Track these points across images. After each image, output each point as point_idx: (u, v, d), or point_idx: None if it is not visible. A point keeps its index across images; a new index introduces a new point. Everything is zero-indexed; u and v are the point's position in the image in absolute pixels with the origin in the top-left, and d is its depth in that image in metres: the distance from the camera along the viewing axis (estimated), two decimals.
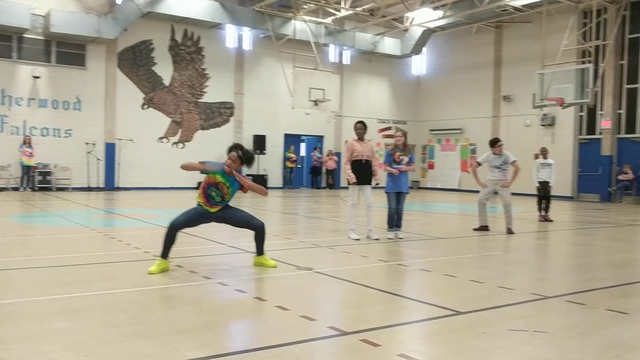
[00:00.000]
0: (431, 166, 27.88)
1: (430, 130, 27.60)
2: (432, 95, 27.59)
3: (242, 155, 6.07)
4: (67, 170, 19.82)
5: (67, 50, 19.90)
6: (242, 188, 6.17)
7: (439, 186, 27.18)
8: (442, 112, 26.97)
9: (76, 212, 12.71)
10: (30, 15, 18.45)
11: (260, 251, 6.25)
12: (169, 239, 5.86)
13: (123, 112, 21.02)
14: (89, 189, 20.02)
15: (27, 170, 18.81)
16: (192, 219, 6.07)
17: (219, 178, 6.03)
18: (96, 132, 20.52)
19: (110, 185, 20.60)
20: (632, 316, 4.52)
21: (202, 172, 6.06)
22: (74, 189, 19.73)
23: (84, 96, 20.33)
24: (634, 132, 20.40)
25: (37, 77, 19.26)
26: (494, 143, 10.46)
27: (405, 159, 8.95)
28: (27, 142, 18.67)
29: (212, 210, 6.11)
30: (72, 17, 19.06)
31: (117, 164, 20.75)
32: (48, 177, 19.38)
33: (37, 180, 19.03)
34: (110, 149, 20.71)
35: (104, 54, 20.59)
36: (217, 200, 6.08)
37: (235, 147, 6.14)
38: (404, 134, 9.10)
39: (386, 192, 9.07)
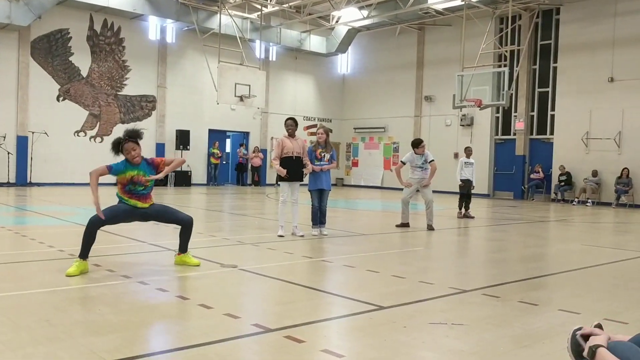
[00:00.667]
0: (355, 164, 28.30)
1: (355, 128, 28.00)
2: (357, 94, 27.99)
3: (130, 136, 5.78)
4: None
5: None
6: (158, 169, 5.92)
7: (362, 184, 27.64)
8: (366, 110, 27.43)
9: None
10: None
11: (184, 248, 6.08)
12: (89, 237, 5.54)
13: (36, 104, 19.95)
14: None
15: None
16: (115, 214, 5.73)
17: (130, 173, 5.75)
18: (7, 124, 19.37)
19: (22, 181, 19.50)
20: (542, 307, 4.77)
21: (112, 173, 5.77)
22: None
23: None
24: (545, 134, 21.58)
25: None
26: (418, 144, 10.75)
27: (327, 155, 9.05)
28: None
29: (139, 204, 5.84)
30: None
31: (29, 158, 19.67)
32: None
33: None
34: (22, 142, 19.60)
35: (15, 42, 19.45)
36: (140, 189, 5.83)
37: (125, 136, 5.81)
38: (326, 131, 9.16)
39: (309, 190, 9.14)
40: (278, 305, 4.74)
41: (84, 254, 5.54)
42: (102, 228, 5.74)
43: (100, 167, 5.68)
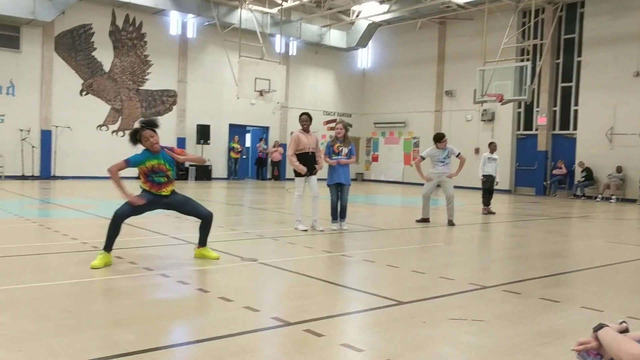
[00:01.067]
0: (375, 159, 28.22)
1: (375, 123, 27.91)
2: (377, 88, 27.88)
3: (147, 125, 5.80)
4: (0, 157, 18.93)
5: (0, 32, 18.95)
6: (176, 155, 5.95)
7: (382, 178, 27.55)
8: (386, 105, 27.31)
9: (9, 201, 12.16)
10: None
11: (203, 242, 6.12)
12: (114, 230, 5.59)
13: (60, 98, 20.23)
14: (23, 177, 19.20)
15: None
16: (139, 206, 5.79)
17: (150, 163, 5.78)
18: (31, 119, 19.68)
19: (46, 174, 19.81)
20: (564, 304, 4.72)
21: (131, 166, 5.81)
22: (7, 177, 18.87)
23: (18, 80, 19.43)
24: (567, 129, 21.28)
25: None
26: (440, 138, 10.68)
27: (345, 150, 9.01)
28: None
29: (162, 193, 5.88)
30: None
31: (53, 152, 19.97)
32: None
33: None
34: (46, 136, 19.91)
35: (40, 37, 19.72)
36: (163, 180, 5.86)
37: (142, 125, 5.84)
38: (345, 126, 9.13)
39: (327, 185, 9.13)
40: (297, 299, 4.76)
41: (109, 247, 5.59)
42: (125, 221, 5.80)
43: (118, 162, 5.73)
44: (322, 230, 8.70)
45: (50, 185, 17.55)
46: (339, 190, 9.06)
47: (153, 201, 5.88)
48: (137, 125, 5.92)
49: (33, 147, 19.53)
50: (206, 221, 6.06)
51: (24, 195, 14.00)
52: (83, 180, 19.70)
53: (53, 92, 20.11)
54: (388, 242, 8.25)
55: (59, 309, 4.07)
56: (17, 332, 3.50)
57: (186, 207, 6.08)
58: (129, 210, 5.69)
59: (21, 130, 19.19)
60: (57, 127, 20.00)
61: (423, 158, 10.93)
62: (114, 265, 5.61)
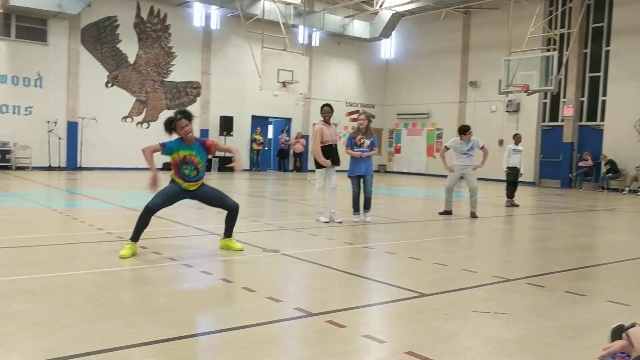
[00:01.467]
0: (398, 150, 28.08)
1: (398, 114, 27.74)
2: (400, 79, 27.69)
3: (183, 114, 5.85)
4: (27, 148, 19.30)
5: (28, 25, 19.27)
6: (210, 151, 6.01)
7: (405, 170, 27.42)
8: (410, 96, 27.12)
9: (37, 192, 12.40)
10: None
11: (229, 233, 6.17)
12: (143, 222, 5.69)
13: (86, 90, 20.51)
14: (50, 168, 19.56)
15: None
16: (168, 199, 5.88)
17: (182, 153, 5.84)
18: (58, 110, 19.99)
19: (72, 165, 20.15)
20: (589, 298, 4.66)
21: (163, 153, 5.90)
22: (34, 168, 19.24)
23: (45, 72, 19.75)
24: (594, 120, 20.90)
25: None
26: (465, 130, 10.58)
27: (367, 142, 8.96)
28: None
29: (191, 188, 5.97)
30: None
31: (79, 143, 20.29)
32: (7, 156, 18.84)
33: None
34: (72, 128, 20.22)
35: (66, 29, 20.00)
36: (193, 175, 5.92)
37: (177, 114, 5.89)
38: (367, 117, 9.06)
39: (348, 177, 9.10)
40: (319, 290, 4.77)
41: (136, 237, 5.69)
42: (155, 213, 5.85)
43: (154, 144, 5.86)
44: (340, 222, 8.70)
45: (76, 176, 17.84)
46: (360, 182, 9.03)
47: (180, 193, 5.97)
48: (172, 114, 5.99)
49: (60, 138, 19.85)
50: (232, 212, 6.11)
51: (51, 186, 14.26)
52: (108, 171, 19.98)
53: (79, 84, 20.40)
54: (410, 234, 8.22)
55: (86, 297, 4.15)
56: (45, 320, 3.58)
57: (213, 198, 6.14)
58: (159, 203, 5.79)
59: (48, 121, 19.53)
60: (83, 118, 20.30)
61: (447, 148, 10.85)
62: (139, 255, 5.69)
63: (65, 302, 4.01)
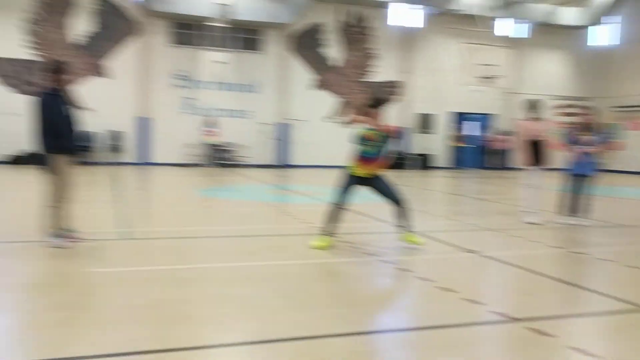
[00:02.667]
0: (619, 147, 25.22)
1: (619, 107, 24.95)
2: (622, 68, 24.84)
3: (374, 102, 6.33)
4: (246, 148, 21.37)
5: (248, 36, 21.37)
6: (389, 134, 6.18)
7: (630, 169, 24.54)
8: (635, 86, 24.21)
9: (253, 187, 13.65)
10: (217, 5, 20.00)
11: (406, 227, 6.11)
12: (333, 218, 6.03)
13: (295, 94, 22.05)
14: (264, 165, 21.41)
15: (209, 147, 20.56)
16: (347, 191, 6.13)
17: (368, 132, 6.11)
18: (271, 113, 21.81)
19: (283, 163, 21.81)
20: None
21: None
22: (251, 165, 21.21)
23: (261, 79, 21.69)
24: None
25: (223, 63, 20.87)
26: None
27: (594, 139, 8.23)
28: (208, 122, 20.32)
29: (364, 171, 6.09)
30: (254, 5, 20.39)
31: (290, 143, 21.87)
32: (229, 155, 21.07)
33: (218, 157, 20.77)
34: (283, 128, 21.88)
35: (278, 38, 21.71)
36: (372, 152, 6.07)
37: (373, 101, 6.42)
38: (591, 112, 8.37)
39: (569, 175, 8.40)
40: (522, 295, 4.54)
41: (329, 231, 6.02)
42: (342, 206, 6.11)
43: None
44: (542, 224, 8.09)
45: (287, 173, 19.24)
46: (580, 182, 8.30)
47: (355, 181, 6.14)
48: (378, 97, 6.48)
49: (274, 138, 21.62)
50: (399, 207, 6.09)
51: (265, 182, 15.60)
52: (315, 169, 21.21)
53: (289, 88, 21.99)
54: (629, 240, 7.38)
55: (296, 287, 4.48)
56: (259, 304, 3.96)
57: (385, 190, 6.19)
58: (342, 196, 6.07)
59: (264, 123, 21.42)
60: (293, 119, 21.85)
61: None
62: (338, 249, 5.95)
63: (279, 290, 4.37)
